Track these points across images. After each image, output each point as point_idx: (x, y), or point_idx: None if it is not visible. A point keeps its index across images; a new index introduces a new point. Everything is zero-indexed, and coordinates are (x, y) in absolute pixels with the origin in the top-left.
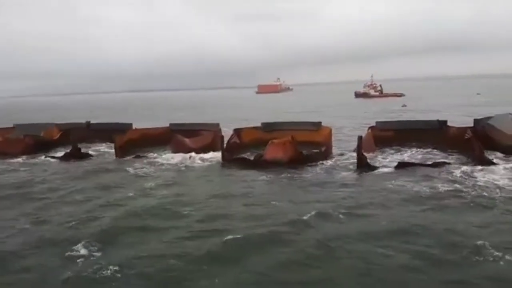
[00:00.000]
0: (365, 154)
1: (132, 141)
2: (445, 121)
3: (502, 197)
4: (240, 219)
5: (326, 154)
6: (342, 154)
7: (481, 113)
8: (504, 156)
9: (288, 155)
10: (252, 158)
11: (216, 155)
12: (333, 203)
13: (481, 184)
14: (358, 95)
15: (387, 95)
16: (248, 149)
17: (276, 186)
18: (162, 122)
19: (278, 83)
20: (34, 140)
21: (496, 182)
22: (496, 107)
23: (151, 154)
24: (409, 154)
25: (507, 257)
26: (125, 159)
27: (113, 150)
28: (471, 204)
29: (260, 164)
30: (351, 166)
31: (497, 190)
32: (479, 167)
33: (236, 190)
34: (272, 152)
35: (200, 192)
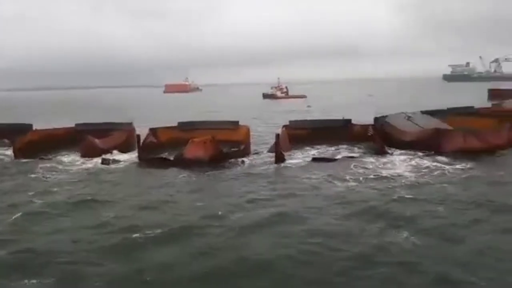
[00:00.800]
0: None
1: (34, 143)
2: (350, 120)
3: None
4: (161, 215)
5: (245, 152)
6: (258, 152)
7: (374, 112)
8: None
9: (209, 154)
10: (171, 157)
11: (131, 156)
12: (254, 195)
13: (382, 173)
14: (266, 96)
15: (292, 97)
16: (165, 149)
17: (196, 183)
18: (63, 123)
19: (187, 82)
20: None
21: (395, 171)
22: (385, 106)
23: (56, 156)
24: (321, 151)
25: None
26: (25, 161)
27: (9, 152)
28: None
29: (180, 164)
30: (269, 162)
31: (389, 177)
32: (381, 160)
33: (156, 189)
34: (192, 151)
35: (116, 194)
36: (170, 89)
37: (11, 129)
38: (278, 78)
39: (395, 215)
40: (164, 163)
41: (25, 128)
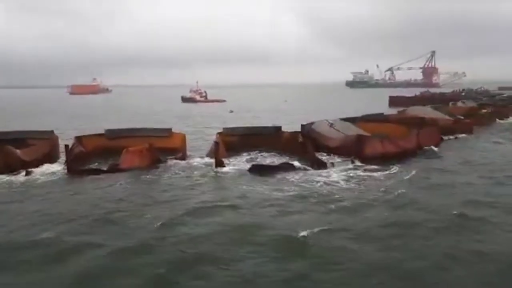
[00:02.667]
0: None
1: None
2: (280, 127)
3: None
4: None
5: (182, 159)
6: (193, 157)
7: (295, 117)
8: (327, 155)
9: (146, 163)
10: (104, 168)
11: (54, 168)
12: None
13: (319, 179)
14: (185, 100)
15: (211, 101)
16: (92, 159)
17: (132, 190)
18: None
19: (95, 83)
20: None
21: (329, 179)
22: (302, 111)
23: None
24: (255, 157)
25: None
26: None
27: None
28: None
29: (114, 173)
30: (206, 169)
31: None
32: (313, 166)
33: (94, 202)
34: (128, 161)
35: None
36: (77, 90)
37: None
38: (197, 82)
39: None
40: (97, 174)
41: None
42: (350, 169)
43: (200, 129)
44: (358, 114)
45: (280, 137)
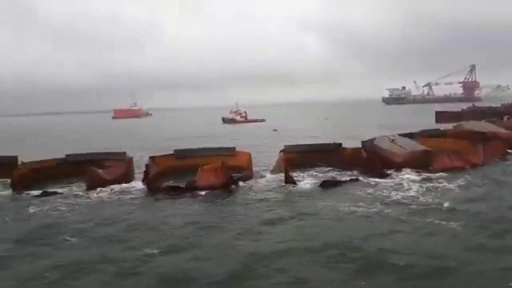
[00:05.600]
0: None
1: (28, 176)
2: (340, 144)
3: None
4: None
5: (249, 177)
6: (262, 176)
7: (342, 135)
8: (395, 171)
9: (221, 180)
10: (182, 185)
11: (134, 186)
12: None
13: (390, 192)
14: (225, 121)
15: (251, 121)
16: (164, 177)
17: (215, 208)
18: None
19: (136, 107)
20: None
21: (405, 193)
22: (346, 128)
23: (57, 189)
24: (319, 173)
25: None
26: (29, 195)
27: None
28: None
29: (190, 191)
30: (277, 186)
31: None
32: (383, 180)
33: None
34: (204, 178)
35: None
36: (120, 114)
37: None
38: (236, 103)
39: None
40: (174, 191)
41: (10, 161)
42: (419, 181)
43: (251, 147)
44: (404, 130)
45: (342, 153)
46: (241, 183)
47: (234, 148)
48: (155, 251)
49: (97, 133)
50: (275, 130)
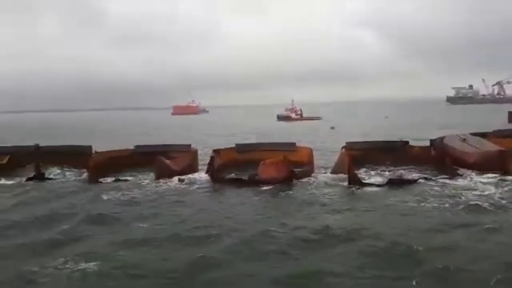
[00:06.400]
0: (342, 173)
1: (101, 165)
2: (407, 141)
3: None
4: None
5: (310, 173)
6: (324, 173)
7: (401, 134)
8: (466, 171)
9: (282, 174)
10: (244, 178)
11: (199, 177)
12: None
13: (463, 193)
14: (280, 118)
15: (306, 118)
16: (226, 170)
17: (277, 200)
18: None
19: (194, 104)
20: None
21: (481, 192)
22: (407, 126)
23: (127, 177)
24: (387, 172)
25: None
26: (105, 182)
27: (72, 174)
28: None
29: (252, 184)
30: (341, 183)
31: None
32: (457, 180)
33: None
34: (266, 172)
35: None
36: (178, 110)
37: (71, 151)
38: (292, 100)
39: None
40: (237, 183)
41: (86, 150)
42: (494, 183)
43: (308, 144)
44: (472, 130)
45: (409, 151)
46: (300, 176)
47: (294, 144)
48: (218, 232)
49: (159, 128)
50: (332, 127)
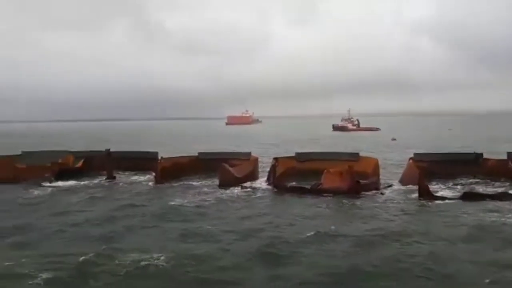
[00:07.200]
0: (410, 185)
1: (167, 170)
2: (481, 154)
3: None
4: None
5: (376, 184)
6: (390, 185)
7: (467, 147)
8: None
9: (347, 184)
10: (307, 186)
11: (260, 184)
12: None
13: None
14: (336, 128)
15: (364, 129)
16: (286, 178)
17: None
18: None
19: (247, 114)
20: (59, 167)
21: None
22: (472, 139)
23: (190, 182)
24: (458, 186)
25: None
26: (164, 186)
27: (142, 178)
28: None
29: (315, 193)
30: (410, 196)
31: None
32: None
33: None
34: (329, 181)
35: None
36: (232, 120)
37: (139, 156)
38: (349, 110)
39: None
40: (299, 191)
41: (152, 156)
42: None
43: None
44: None
45: (483, 164)
46: (365, 188)
47: (357, 154)
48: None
49: (215, 136)
50: (393, 139)
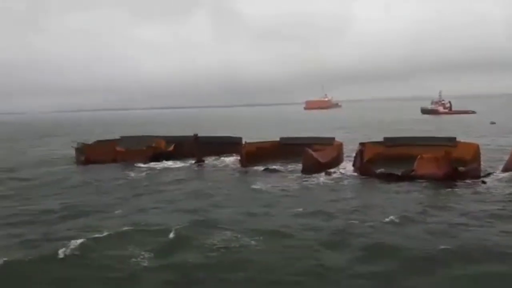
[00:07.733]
0: None
1: (251, 154)
2: None
3: None
4: None
5: (477, 173)
6: (490, 173)
7: None
8: None
9: (443, 171)
10: (397, 173)
11: (345, 170)
12: None
13: None
14: (425, 111)
15: (456, 112)
16: (373, 163)
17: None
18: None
19: (326, 99)
20: (153, 151)
21: None
22: None
23: (272, 166)
24: None
25: None
26: (254, 169)
27: (226, 160)
28: None
29: (407, 179)
30: None
31: None
32: None
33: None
34: (423, 167)
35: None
36: (311, 105)
37: (225, 141)
38: (440, 92)
39: None
40: (389, 178)
41: (237, 140)
42: None
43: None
44: None
45: None
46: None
47: (454, 138)
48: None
49: (294, 122)
50: (492, 122)
